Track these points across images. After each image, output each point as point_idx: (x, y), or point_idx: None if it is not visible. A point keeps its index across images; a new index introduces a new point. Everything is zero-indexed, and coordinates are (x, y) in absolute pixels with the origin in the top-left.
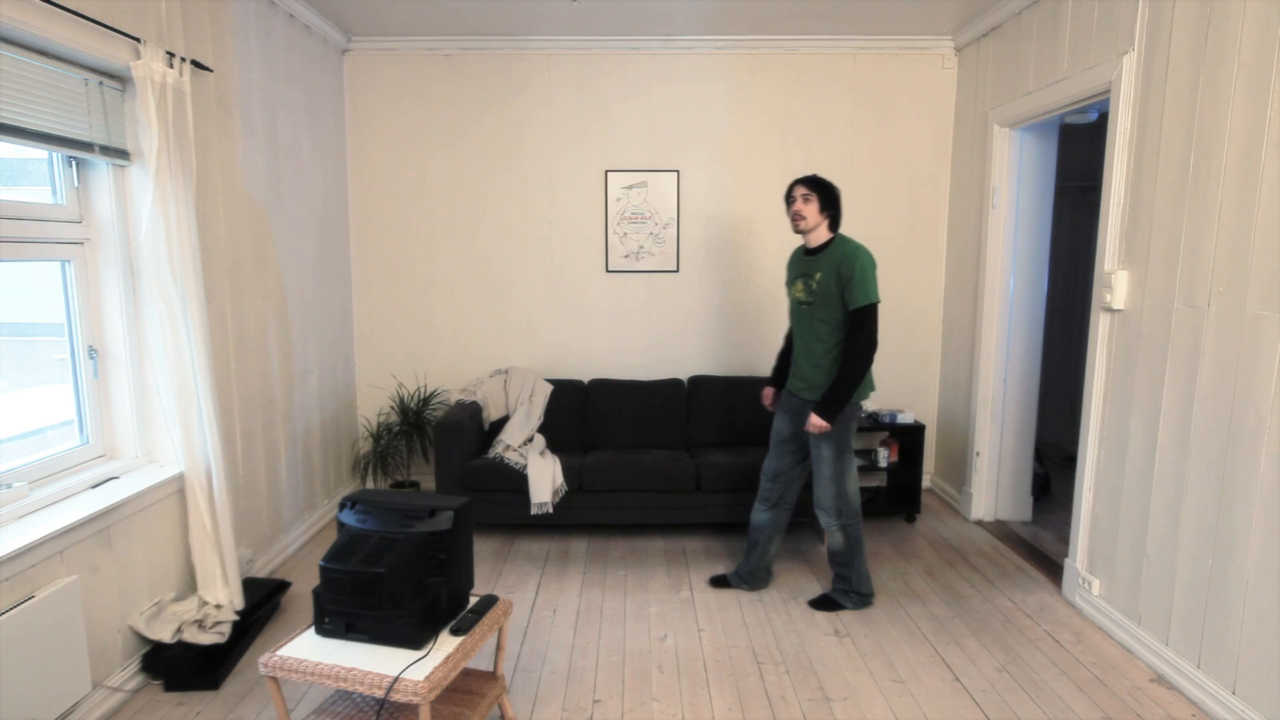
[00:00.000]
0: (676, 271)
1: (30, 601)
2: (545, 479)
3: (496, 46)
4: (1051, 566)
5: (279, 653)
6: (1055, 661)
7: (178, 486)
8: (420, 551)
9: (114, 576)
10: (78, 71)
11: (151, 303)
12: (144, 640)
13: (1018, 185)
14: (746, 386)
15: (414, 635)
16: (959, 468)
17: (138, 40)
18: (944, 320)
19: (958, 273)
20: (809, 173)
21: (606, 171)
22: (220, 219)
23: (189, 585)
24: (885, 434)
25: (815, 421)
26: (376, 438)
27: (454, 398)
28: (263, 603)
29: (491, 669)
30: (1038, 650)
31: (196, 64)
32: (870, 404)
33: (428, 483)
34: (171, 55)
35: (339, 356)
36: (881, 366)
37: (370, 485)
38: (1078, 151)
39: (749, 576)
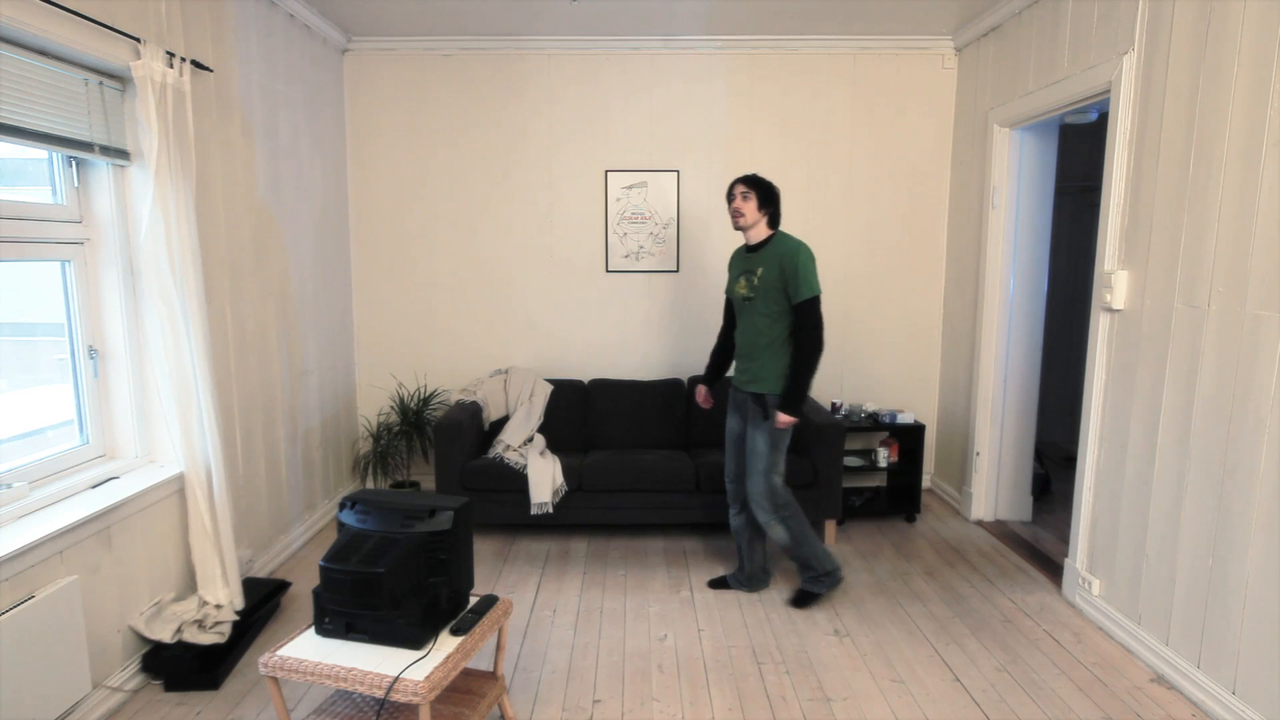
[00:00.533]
0: (676, 271)
1: (30, 601)
2: (545, 479)
3: (496, 46)
4: (1051, 566)
5: (279, 653)
6: (1055, 661)
7: (178, 486)
8: (420, 551)
9: (114, 576)
10: (78, 71)
11: (151, 303)
12: (144, 640)
13: (1018, 185)
14: None
15: (414, 635)
16: (959, 468)
17: (138, 40)
18: (944, 320)
19: (958, 273)
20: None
21: (606, 171)
22: (220, 219)
23: (189, 585)
24: (885, 434)
25: (784, 418)
26: (376, 438)
27: (454, 398)
28: (263, 603)
29: (491, 669)
30: (1038, 650)
31: (196, 64)
32: (870, 404)
33: (428, 483)
34: (171, 55)
35: (339, 356)
36: (882, 366)
37: (370, 485)
38: (1078, 151)
39: (748, 580)
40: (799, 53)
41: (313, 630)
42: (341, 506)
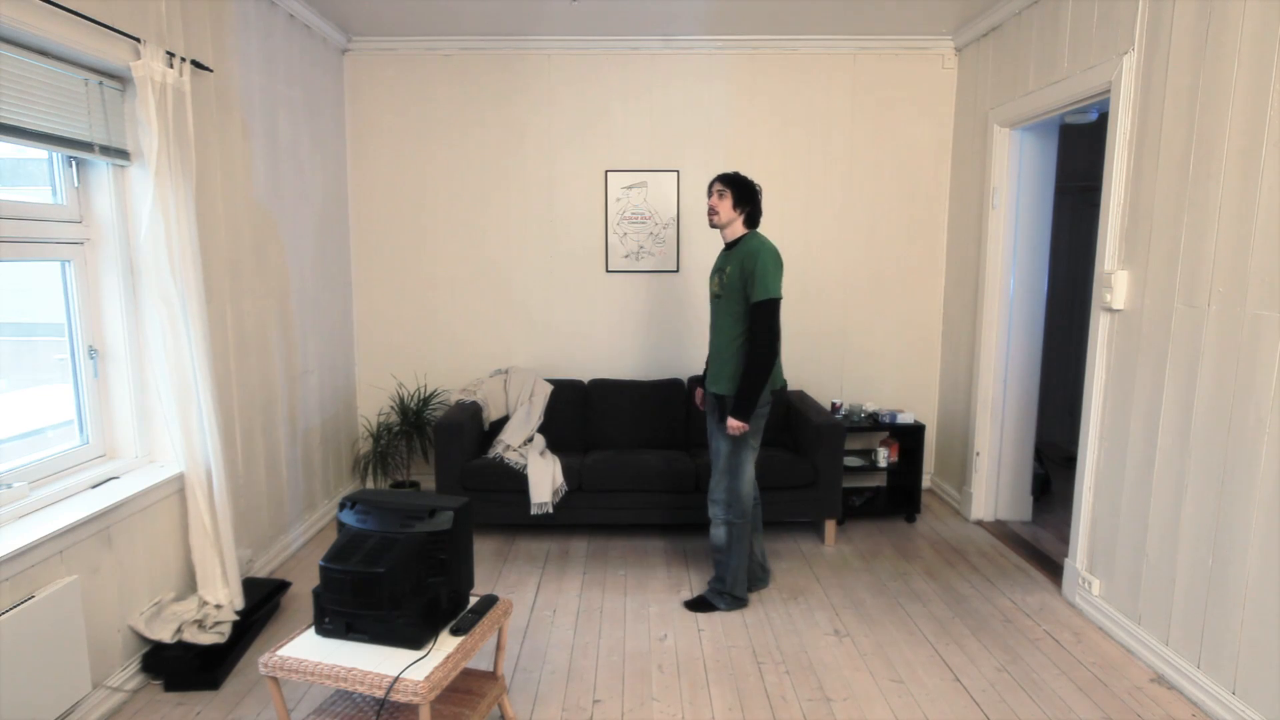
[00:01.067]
0: (676, 271)
1: (30, 601)
2: (545, 479)
3: (496, 46)
4: (1051, 566)
5: (279, 653)
6: (1055, 661)
7: (178, 486)
8: (420, 551)
9: (114, 576)
10: (78, 71)
11: (151, 303)
12: (144, 640)
13: (1018, 185)
14: None
15: (414, 635)
16: (959, 468)
17: (138, 40)
18: (944, 320)
19: (958, 273)
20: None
21: (606, 171)
22: (220, 219)
23: (189, 585)
24: (885, 434)
25: (732, 424)
26: (376, 438)
27: (454, 398)
28: (263, 603)
29: (491, 669)
30: (1038, 650)
31: (196, 64)
32: (870, 404)
33: (428, 483)
34: (171, 55)
35: (339, 356)
36: (882, 366)
37: (370, 485)
38: (1078, 151)
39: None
40: (799, 53)
41: (313, 630)
42: (341, 506)
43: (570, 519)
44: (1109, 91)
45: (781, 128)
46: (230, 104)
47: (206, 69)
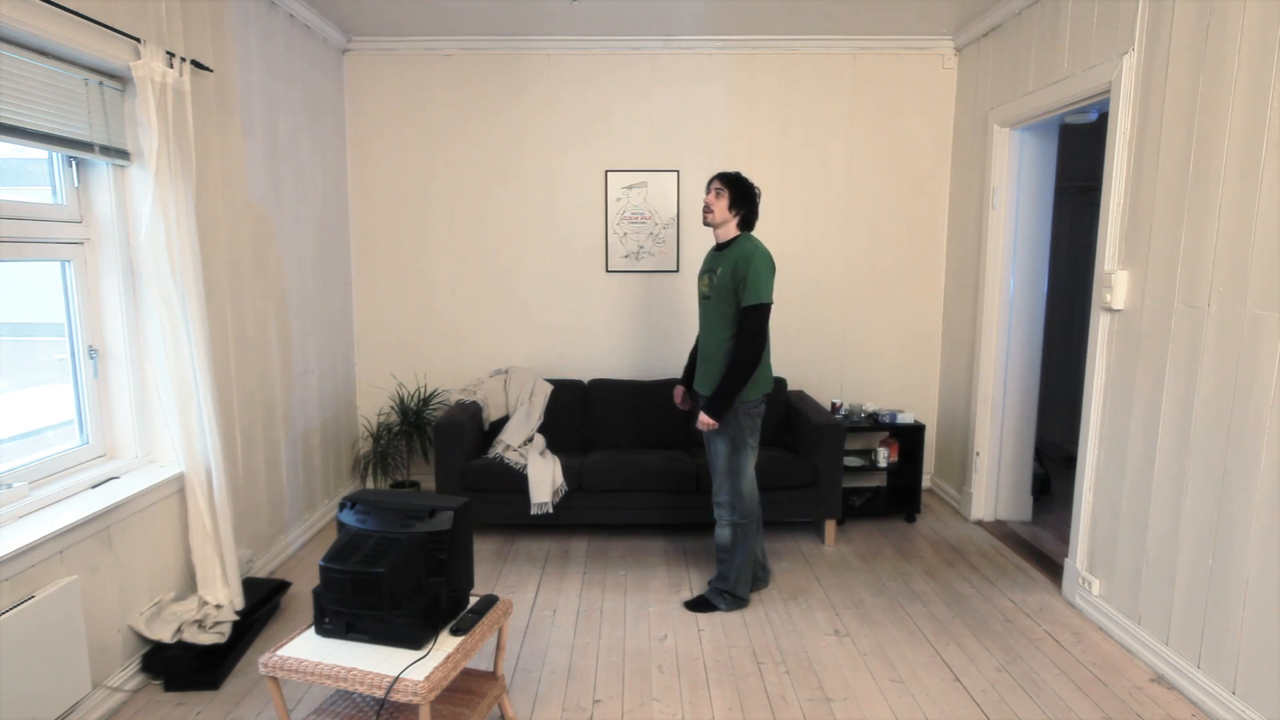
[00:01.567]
0: (676, 271)
1: (30, 601)
2: (545, 479)
3: (496, 46)
4: (1051, 566)
5: (279, 653)
6: (1055, 661)
7: (178, 486)
8: (420, 551)
9: (114, 576)
10: (78, 71)
11: (151, 303)
12: (144, 640)
13: (1018, 185)
14: None
15: (414, 635)
16: (959, 468)
17: (138, 40)
18: (944, 320)
19: (958, 273)
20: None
21: (606, 171)
22: (220, 219)
23: (189, 585)
24: (885, 434)
25: (703, 419)
26: (376, 438)
27: (454, 398)
28: (263, 603)
29: (491, 669)
30: (1038, 650)
31: (196, 64)
32: (870, 404)
33: (428, 483)
34: (171, 55)
35: (339, 356)
36: (882, 366)
37: (370, 485)
38: (1078, 151)
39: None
40: (799, 53)
41: (313, 630)
42: (341, 506)
43: (570, 519)
44: (1109, 91)
45: (782, 128)
46: (230, 104)
47: (206, 69)
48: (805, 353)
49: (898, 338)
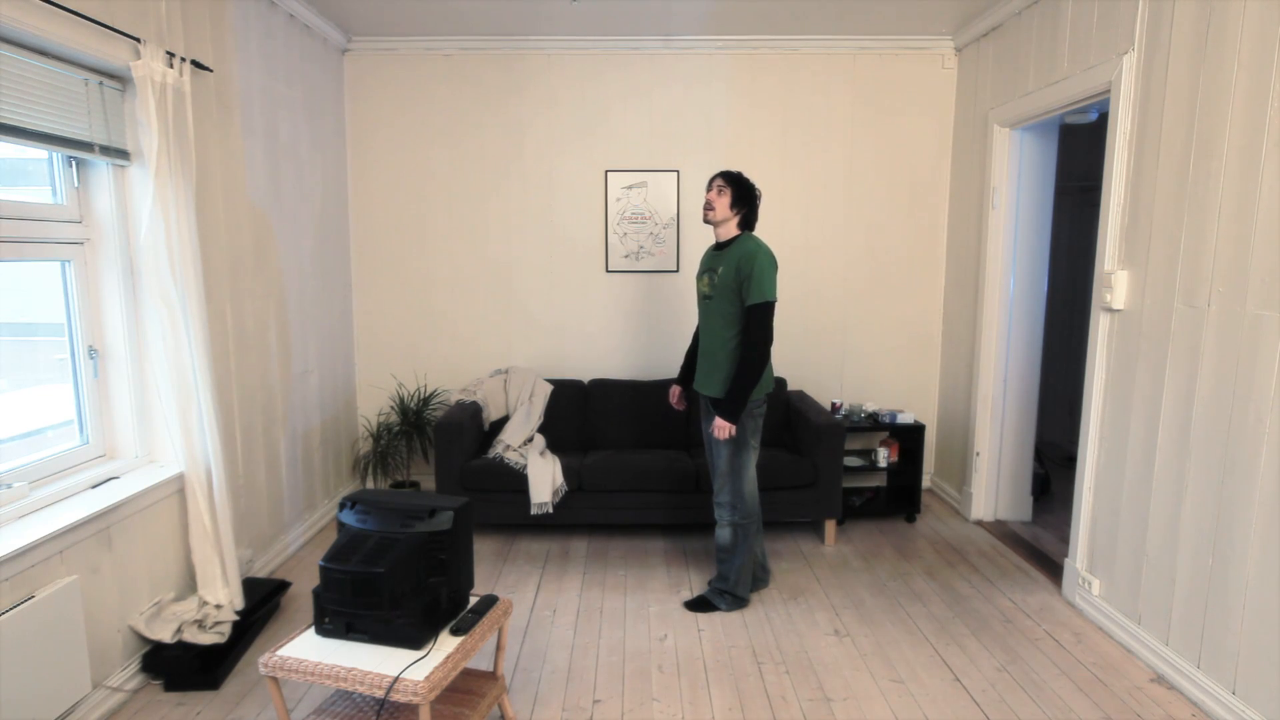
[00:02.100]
0: (676, 271)
1: (30, 601)
2: (545, 479)
3: (496, 46)
4: (1051, 566)
5: (279, 653)
6: (1055, 661)
7: (178, 486)
8: (420, 551)
9: (114, 576)
10: (78, 71)
11: (151, 303)
12: (144, 640)
13: (1018, 185)
14: None
15: (414, 635)
16: (959, 468)
17: (138, 40)
18: (944, 320)
19: (958, 273)
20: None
21: (606, 171)
22: (220, 219)
23: (189, 585)
24: (885, 434)
25: (720, 425)
26: (376, 438)
27: (454, 398)
28: (263, 603)
29: (491, 669)
30: (1038, 650)
31: (196, 64)
32: (870, 404)
33: (428, 483)
34: (171, 55)
35: (339, 356)
36: (882, 366)
37: (370, 485)
38: (1078, 151)
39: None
40: (799, 53)
41: (313, 630)
42: (341, 506)
43: (570, 519)
44: (1109, 91)
45: (782, 128)
46: (230, 104)
47: (206, 69)
48: (805, 353)
49: (898, 338)
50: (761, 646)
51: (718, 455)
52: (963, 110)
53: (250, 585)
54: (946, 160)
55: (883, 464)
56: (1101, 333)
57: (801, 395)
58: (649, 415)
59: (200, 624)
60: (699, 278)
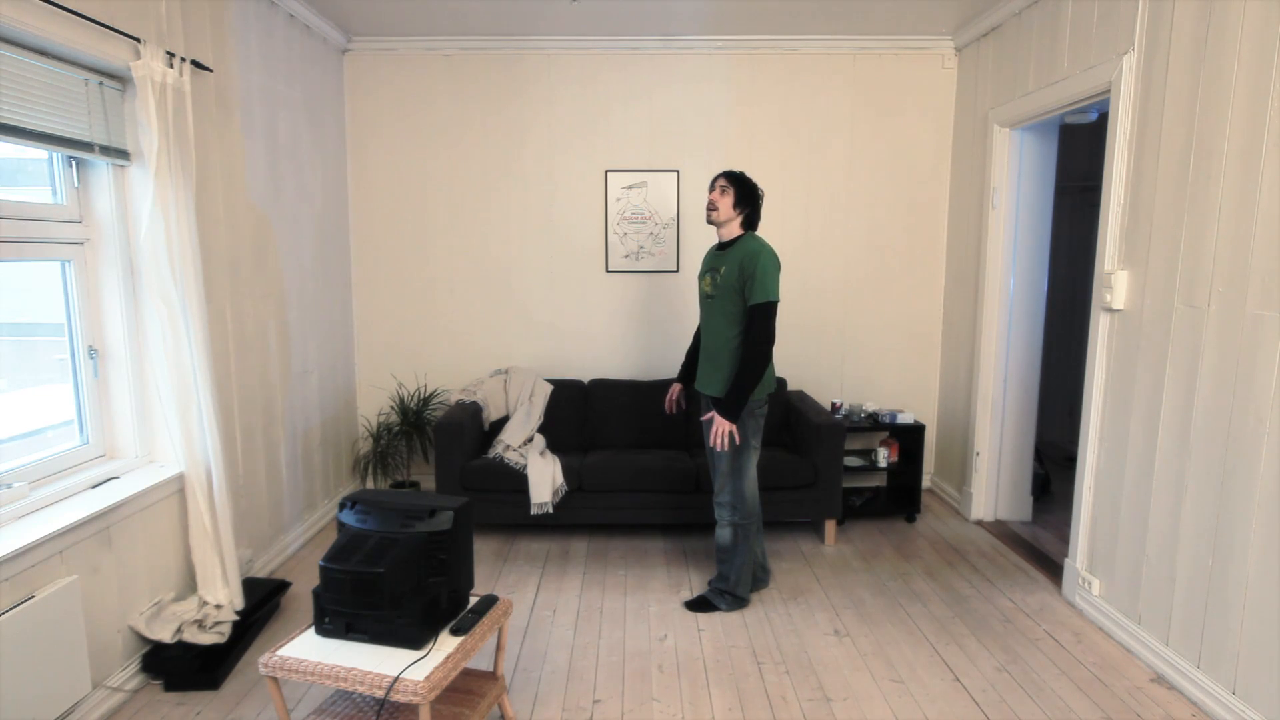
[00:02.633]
0: (676, 271)
1: (30, 601)
2: (545, 479)
3: (496, 46)
4: (1051, 566)
5: (279, 653)
6: (1055, 661)
7: (178, 486)
8: (420, 551)
9: (114, 576)
10: (78, 71)
11: (151, 303)
12: (144, 640)
13: (1018, 185)
14: None
15: (414, 635)
16: (959, 468)
17: (138, 40)
18: (944, 320)
19: (958, 272)
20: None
21: (606, 171)
22: (220, 219)
23: (189, 585)
24: (885, 434)
25: (721, 424)
26: (376, 438)
27: (454, 398)
28: (263, 603)
29: (491, 669)
30: (1038, 650)
31: (196, 64)
32: (870, 404)
33: (428, 483)
34: (171, 55)
35: (339, 356)
36: (882, 366)
37: (370, 485)
38: (1078, 151)
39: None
40: (799, 53)
41: (313, 630)
42: (341, 506)
43: (570, 519)
44: (1109, 91)
45: (782, 128)
46: (230, 104)
47: (206, 69)
48: (805, 353)
49: (898, 337)
50: (761, 646)
51: (719, 455)
52: (963, 110)
53: (250, 585)
54: (946, 160)
55: (883, 464)
56: (1101, 333)
57: (801, 395)
58: (649, 415)
59: (200, 624)
60: (701, 277)
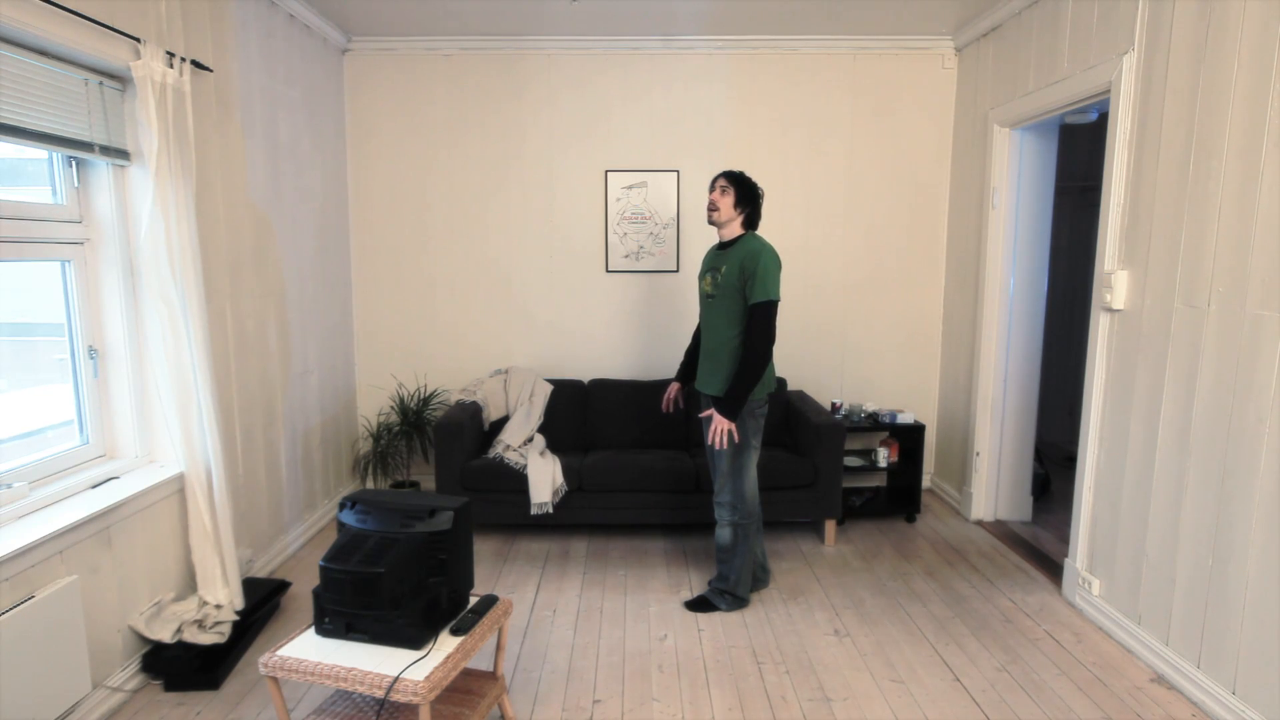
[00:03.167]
0: (676, 271)
1: (30, 601)
2: (545, 479)
3: (496, 46)
4: (1051, 566)
5: (279, 653)
6: (1055, 661)
7: (178, 486)
8: (420, 551)
9: (114, 576)
10: (78, 71)
11: (151, 303)
12: (144, 640)
13: (1018, 185)
14: None
15: (414, 635)
16: (959, 468)
17: (138, 40)
18: (944, 320)
19: (958, 273)
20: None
21: (606, 171)
22: (220, 219)
23: (189, 585)
24: (885, 434)
25: (720, 421)
26: (376, 438)
27: (454, 398)
28: (263, 603)
29: (491, 669)
30: (1038, 650)
31: (196, 64)
32: (870, 404)
33: (428, 483)
34: (171, 55)
35: (339, 356)
36: (882, 366)
37: (370, 485)
38: (1078, 151)
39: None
40: (799, 53)
41: (313, 630)
42: (341, 506)
43: (570, 519)
44: (1109, 91)
45: (781, 128)
46: (230, 104)
47: (206, 69)
48: (805, 353)
49: (898, 337)
50: (761, 646)
51: (719, 455)
52: (963, 110)
53: (250, 585)
54: (946, 160)
55: (883, 464)
56: (1101, 333)
57: (801, 395)
58: (649, 415)
59: (200, 624)
60: (701, 277)
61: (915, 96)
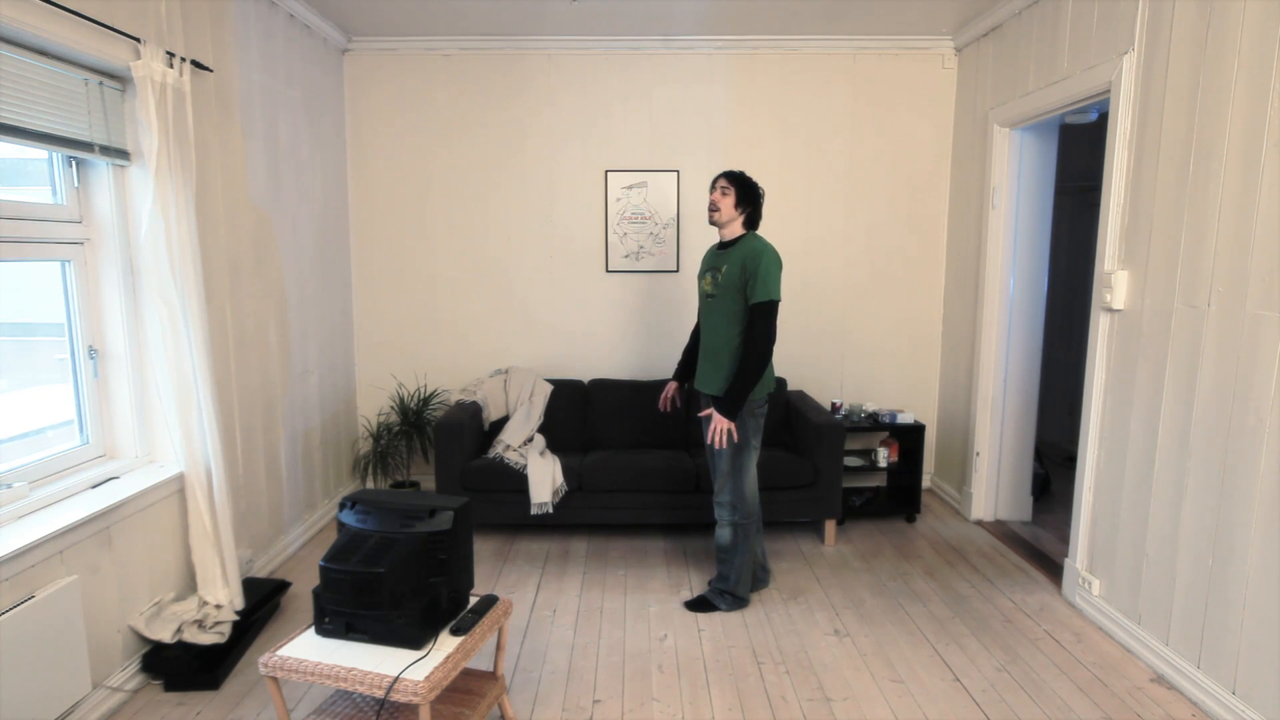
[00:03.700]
0: (676, 271)
1: (30, 601)
2: (545, 479)
3: (496, 46)
4: (1051, 566)
5: (279, 653)
6: (1055, 661)
7: (178, 486)
8: (420, 551)
9: (114, 576)
10: (78, 71)
11: (151, 303)
12: (144, 640)
13: (1018, 185)
14: None
15: (414, 635)
16: (959, 468)
17: (138, 40)
18: (944, 320)
19: (958, 273)
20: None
21: (606, 171)
22: (220, 219)
23: (189, 585)
24: (885, 434)
25: (719, 421)
26: (376, 438)
27: (454, 398)
28: (263, 603)
29: (491, 669)
30: (1038, 650)
31: (196, 64)
32: (870, 404)
33: (428, 483)
34: (171, 55)
35: (339, 356)
36: (882, 366)
37: (370, 485)
38: (1078, 151)
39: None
40: (799, 53)
41: (313, 630)
42: (341, 506)
43: (570, 519)
44: (1109, 91)
45: (782, 127)
46: (230, 104)
47: (206, 69)
48: (805, 352)
49: (898, 337)
50: (761, 646)
51: (719, 455)
52: (963, 110)
53: (250, 585)
54: (946, 160)
55: (883, 464)
56: (1101, 333)
57: (801, 395)
58: (649, 415)
59: (200, 624)
60: (701, 276)
61: (915, 96)
